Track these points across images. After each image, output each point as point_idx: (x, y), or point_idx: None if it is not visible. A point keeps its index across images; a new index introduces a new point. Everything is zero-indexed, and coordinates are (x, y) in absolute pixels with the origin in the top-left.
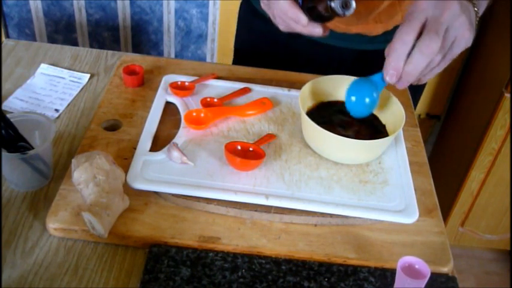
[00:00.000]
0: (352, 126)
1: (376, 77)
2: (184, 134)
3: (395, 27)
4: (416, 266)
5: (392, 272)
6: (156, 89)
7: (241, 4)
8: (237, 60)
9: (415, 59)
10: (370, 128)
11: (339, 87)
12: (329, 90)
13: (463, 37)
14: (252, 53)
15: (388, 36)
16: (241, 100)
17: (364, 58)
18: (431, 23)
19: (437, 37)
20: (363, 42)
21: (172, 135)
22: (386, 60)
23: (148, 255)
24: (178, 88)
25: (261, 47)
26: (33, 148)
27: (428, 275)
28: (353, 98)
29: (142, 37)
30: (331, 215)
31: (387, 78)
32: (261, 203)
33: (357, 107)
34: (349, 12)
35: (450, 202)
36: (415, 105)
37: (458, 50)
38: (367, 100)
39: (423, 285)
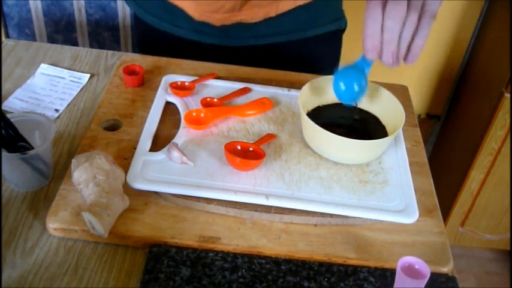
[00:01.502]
0: (352, 126)
1: (359, 61)
2: (184, 134)
3: (280, 16)
4: (416, 266)
5: (392, 272)
6: (156, 89)
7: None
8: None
9: (386, 26)
10: (370, 128)
11: None
12: (329, 90)
13: None
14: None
15: (270, 25)
16: (241, 100)
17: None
18: None
19: None
20: (244, 38)
21: (172, 135)
22: (363, 40)
23: (148, 255)
24: (178, 88)
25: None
26: (33, 148)
27: (428, 275)
28: (342, 85)
29: None
30: (331, 215)
31: (368, 56)
32: (261, 203)
33: (347, 94)
34: None
35: (450, 202)
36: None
37: (434, 3)
38: (355, 86)
39: (423, 285)
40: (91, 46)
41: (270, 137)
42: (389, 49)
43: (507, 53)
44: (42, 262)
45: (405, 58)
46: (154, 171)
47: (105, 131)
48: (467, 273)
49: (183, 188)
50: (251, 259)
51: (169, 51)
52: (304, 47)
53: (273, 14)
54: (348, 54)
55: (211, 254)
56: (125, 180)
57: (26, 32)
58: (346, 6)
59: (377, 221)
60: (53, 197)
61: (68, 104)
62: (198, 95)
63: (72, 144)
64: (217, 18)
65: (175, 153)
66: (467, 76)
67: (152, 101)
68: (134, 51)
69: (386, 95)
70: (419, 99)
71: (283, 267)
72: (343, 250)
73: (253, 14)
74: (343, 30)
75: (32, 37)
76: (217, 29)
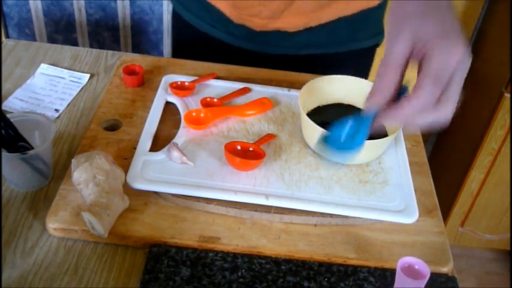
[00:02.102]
0: None
1: (356, 117)
2: (184, 134)
3: (321, 26)
4: (416, 267)
5: (392, 272)
6: (156, 89)
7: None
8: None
9: (411, 104)
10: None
11: (339, 87)
12: (329, 90)
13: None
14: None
15: (310, 35)
16: (241, 100)
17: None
18: (433, 69)
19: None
20: (282, 47)
21: (172, 135)
22: (371, 93)
23: (148, 255)
24: (178, 88)
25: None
26: (33, 148)
27: (428, 276)
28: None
29: (142, 37)
30: (331, 215)
31: (371, 108)
32: (261, 203)
33: (345, 148)
34: None
35: (450, 202)
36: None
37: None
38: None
39: (423, 286)
40: (91, 46)
41: (270, 137)
42: (402, 119)
43: (507, 53)
44: (42, 262)
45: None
46: (154, 171)
47: (105, 131)
48: (467, 273)
49: (183, 188)
50: (251, 259)
51: (204, 52)
52: (341, 60)
53: (313, 23)
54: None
55: (211, 254)
56: (125, 180)
57: (26, 32)
58: None
59: (377, 221)
60: (53, 197)
61: (68, 104)
62: (198, 95)
63: (72, 144)
64: (256, 23)
65: (175, 153)
66: (467, 76)
67: (152, 101)
68: (134, 51)
69: None
70: None
71: (283, 267)
72: (343, 250)
73: (293, 23)
74: (379, 44)
75: (32, 37)
76: (254, 34)
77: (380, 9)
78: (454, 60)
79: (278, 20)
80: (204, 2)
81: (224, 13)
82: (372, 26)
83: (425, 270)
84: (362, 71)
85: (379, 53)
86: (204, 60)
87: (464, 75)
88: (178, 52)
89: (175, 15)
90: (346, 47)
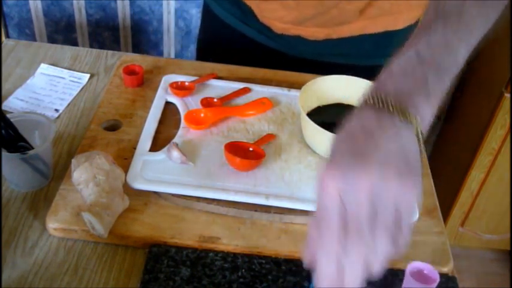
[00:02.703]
0: None
1: None
2: (184, 134)
3: (343, 39)
4: (425, 272)
5: (392, 272)
6: (156, 89)
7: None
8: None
9: (346, 269)
10: None
11: (339, 87)
12: (329, 90)
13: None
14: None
15: (331, 46)
16: (241, 100)
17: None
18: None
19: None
20: (303, 51)
21: (172, 135)
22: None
23: (148, 255)
24: (178, 88)
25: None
26: (33, 148)
27: (438, 281)
28: None
29: (142, 37)
30: None
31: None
32: (261, 203)
33: None
34: None
35: (450, 202)
36: None
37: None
38: None
39: None
40: (91, 46)
41: (270, 137)
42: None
43: (507, 53)
44: (42, 262)
45: None
46: (154, 171)
47: (105, 131)
48: (467, 273)
49: (183, 188)
50: (251, 259)
51: (233, 49)
52: (365, 71)
53: (334, 36)
54: None
55: (211, 254)
56: (125, 180)
57: (26, 32)
58: None
59: None
60: (53, 197)
61: (68, 104)
62: (198, 95)
63: (72, 144)
64: (278, 27)
65: (175, 153)
66: (467, 76)
67: (152, 101)
68: (134, 51)
69: None
70: None
71: (283, 267)
72: None
73: (314, 33)
74: None
75: (32, 37)
76: (278, 35)
77: (405, 31)
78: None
79: (299, 28)
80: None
81: (253, 10)
82: (397, 44)
83: (435, 275)
84: None
85: None
86: (228, 55)
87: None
88: (205, 45)
89: (207, 11)
90: (370, 61)
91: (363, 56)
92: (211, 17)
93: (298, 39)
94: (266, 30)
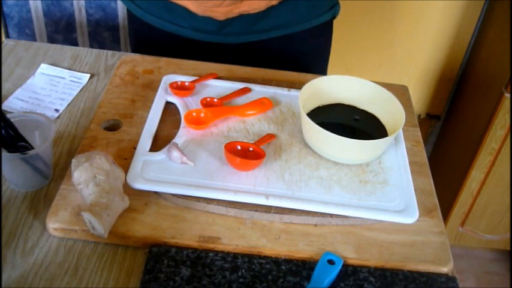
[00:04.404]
0: (352, 126)
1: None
2: (184, 134)
3: (282, 5)
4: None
5: (392, 272)
6: (156, 89)
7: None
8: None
9: None
10: (370, 128)
11: (339, 87)
12: (329, 90)
13: None
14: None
15: (273, 17)
16: (241, 100)
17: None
18: None
19: None
20: (248, 33)
21: (172, 135)
22: None
23: (148, 255)
24: (178, 88)
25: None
26: (33, 148)
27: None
28: None
29: None
30: (331, 215)
31: None
32: (261, 203)
33: None
34: None
35: (450, 202)
36: None
37: None
38: None
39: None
40: (91, 46)
41: (270, 137)
42: None
43: (507, 53)
44: (42, 262)
45: None
46: (154, 171)
47: (105, 131)
48: (467, 273)
49: (183, 188)
50: (251, 259)
51: (167, 50)
52: (303, 39)
53: (275, 1)
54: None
55: (211, 254)
56: (125, 180)
57: (26, 32)
58: None
59: (377, 221)
60: (53, 197)
61: (68, 104)
62: (198, 95)
63: (72, 144)
64: (221, 12)
65: (175, 153)
66: (467, 76)
67: (152, 101)
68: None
69: (386, 95)
70: (419, 99)
71: (283, 267)
72: (343, 250)
73: (256, 4)
74: (335, 17)
75: (32, 37)
76: (218, 26)
77: None
78: None
79: (241, 4)
80: (166, 2)
81: (188, 9)
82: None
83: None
84: (323, 49)
85: (335, 24)
86: (166, 56)
87: None
88: (139, 51)
89: (132, 17)
90: (307, 25)
91: (302, 20)
92: (137, 23)
93: (242, 19)
94: (207, 24)
